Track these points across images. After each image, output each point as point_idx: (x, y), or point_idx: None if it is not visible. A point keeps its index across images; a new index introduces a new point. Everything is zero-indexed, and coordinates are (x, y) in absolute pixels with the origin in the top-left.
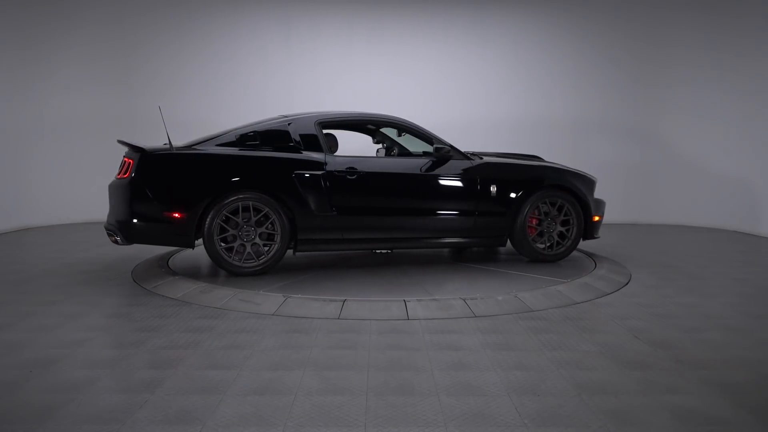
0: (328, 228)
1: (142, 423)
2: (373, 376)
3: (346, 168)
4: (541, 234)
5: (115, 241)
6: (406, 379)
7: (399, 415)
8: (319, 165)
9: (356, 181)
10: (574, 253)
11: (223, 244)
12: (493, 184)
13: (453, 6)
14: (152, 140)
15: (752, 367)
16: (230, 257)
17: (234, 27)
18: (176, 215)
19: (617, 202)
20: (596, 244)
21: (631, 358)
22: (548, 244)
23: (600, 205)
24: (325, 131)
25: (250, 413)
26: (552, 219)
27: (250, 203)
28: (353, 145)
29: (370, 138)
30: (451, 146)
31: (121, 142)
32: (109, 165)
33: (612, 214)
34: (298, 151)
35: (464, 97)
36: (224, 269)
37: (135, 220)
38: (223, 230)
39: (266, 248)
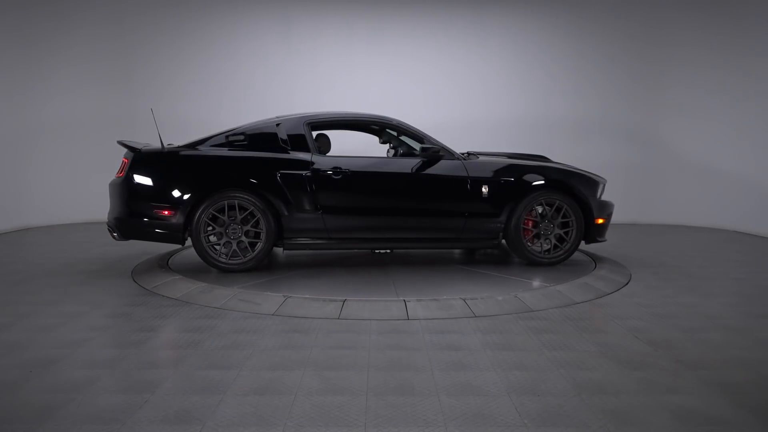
0: (314, 227)
1: (142, 423)
2: (373, 376)
3: (332, 168)
4: (537, 236)
5: (114, 237)
6: (406, 379)
7: (399, 415)
8: (305, 165)
9: (342, 180)
10: (575, 253)
11: (214, 239)
12: (485, 184)
13: (453, 6)
14: (152, 140)
15: (752, 367)
16: (217, 254)
17: (234, 27)
18: (166, 213)
19: (617, 202)
20: (596, 245)
21: (631, 358)
22: (546, 248)
23: (605, 206)
24: (318, 132)
25: (250, 413)
26: (549, 221)
27: (236, 202)
28: (357, 146)
29: (370, 138)
30: (442, 146)
31: (120, 143)
32: (108, 165)
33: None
34: (286, 152)
35: (464, 97)
36: (211, 266)
37: (129, 217)
38: (211, 228)
39: (253, 246)
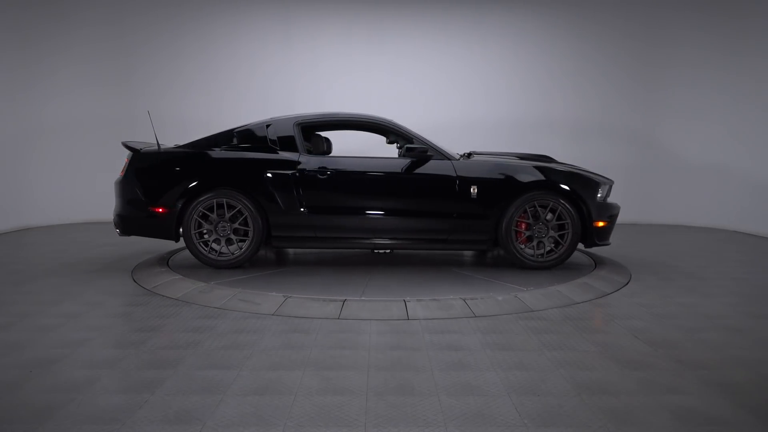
0: (300, 226)
1: (142, 423)
2: (373, 376)
3: (318, 168)
4: (530, 239)
5: (118, 233)
6: (406, 379)
7: (399, 415)
8: (292, 165)
9: (327, 180)
10: (575, 252)
11: (208, 237)
12: (474, 184)
13: (453, 6)
14: (152, 140)
15: (752, 367)
16: (206, 250)
17: (234, 27)
18: (159, 210)
19: (617, 202)
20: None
21: (631, 358)
22: (541, 251)
23: (607, 209)
24: (320, 134)
25: (250, 413)
26: (543, 223)
27: (224, 200)
28: (363, 146)
29: (376, 138)
30: (431, 145)
31: (124, 144)
32: (109, 165)
33: None
34: (275, 152)
35: (464, 97)
36: (201, 262)
37: (128, 214)
38: (201, 225)
39: (241, 243)
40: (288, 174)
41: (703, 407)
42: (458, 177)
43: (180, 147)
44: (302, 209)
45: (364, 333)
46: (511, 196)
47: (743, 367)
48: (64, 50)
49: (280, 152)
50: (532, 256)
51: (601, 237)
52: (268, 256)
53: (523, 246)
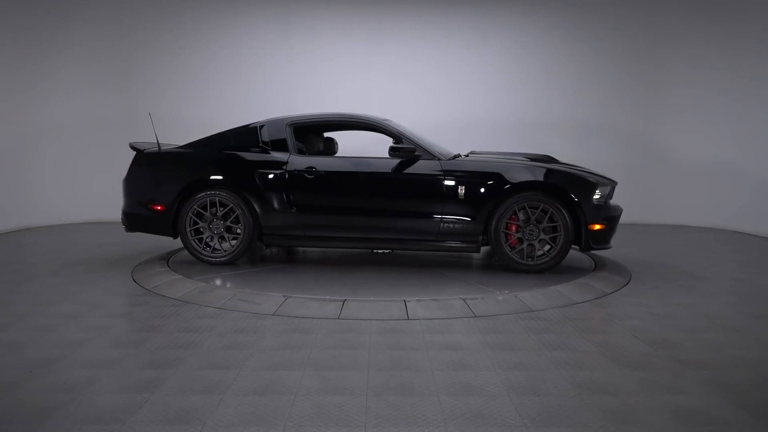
0: (289, 225)
1: (142, 423)
2: (373, 376)
3: (306, 168)
4: (521, 241)
5: (124, 228)
6: (406, 379)
7: (399, 415)
8: (281, 165)
9: (314, 180)
10: (575, 252)
11: (204, 234)
12: (461, 185)
13: (453, 6)
14: (151, 140)
15: (752, 367)
16: (200, 247)
17: (234, 27)
18: (158, 208)
19: (617, 202)
20: None
21: (631, 358)
22: (531, 254)
23: (604, 211)
24: (326, 134)
25: (250, 413)
26: (533, 225)
27: (217, 199)
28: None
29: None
30: (420, 145)
31: (131, 146)
32: (109, 165)
33: None
34: (266, 152)
35: (464, 97)
36: (195, 258)
37: (131, 211)
38: (196, 223)
39: (234, 241)
40: (276, 174)
41: (703, 407)
42: (445, 177)
43: (179, 147)
44: (291, 208)
45: (364, 333)
46: (500, 197)
47: (743, 367)
48: (64, 50)
49: (271, 152)
50: (522, 259)
51: (598, 240)
52: (268, 255)
53: (512, 248)
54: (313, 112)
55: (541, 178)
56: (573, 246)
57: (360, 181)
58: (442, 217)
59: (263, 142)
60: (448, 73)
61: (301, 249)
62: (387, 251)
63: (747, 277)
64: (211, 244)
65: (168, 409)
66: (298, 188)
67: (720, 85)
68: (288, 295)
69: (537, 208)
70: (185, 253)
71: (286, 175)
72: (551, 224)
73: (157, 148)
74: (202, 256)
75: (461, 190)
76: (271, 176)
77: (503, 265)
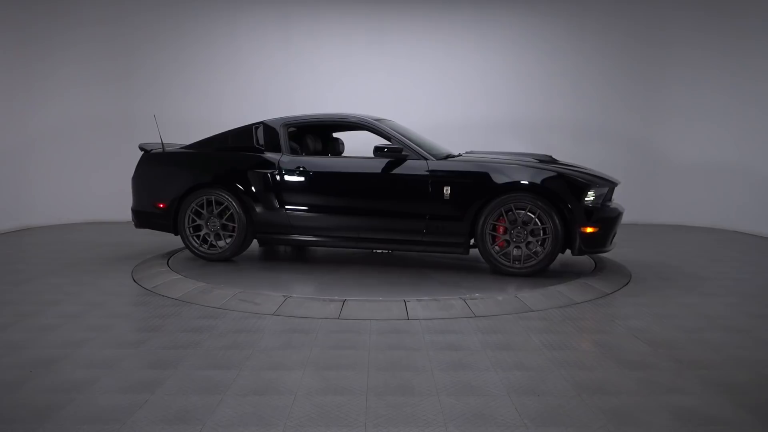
0: (279, 224)
1: (142, 423)
2: (373, 376)
3: (296, 167)
4: (509, 243)
5: (134, 225)
6: (406, 379)
7: (399, 415)
8: (272, 164)
9: (304, 180)
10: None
11: (203, 232)
12: (447, 185)
13: (453, 6)
14: (151, 140)
15: (752, 367)
16: (198, 244)
17: (234, 27)
18: (161, 205)
19: (617, 202)
20: None
21: (631, 358)
22: (519, 257)
23: (598, 213)
24: (334, 135)
25: (250, 413)
26: (522, 227)
27: (213, 197)
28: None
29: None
30: (407, 145)
31: (141, 147)
32: (109, 165)
33: None
34: (261, 152)
35: (464, 97)
36: (193, 254)
37: (138, 209)
38: (195, 220)
39: (229, 239)
40: (268, 173)
41: (703, 407)
42: (431, 177)
43: (182, 148)
44: (281, 207)
45: (364, 333)
46: (485, 198)
47: (743, 367)
48: (63, 50)
49: (265, 153)
50: (509, 261)
51: (591, 244)
52: (268, 255)
53: (500, 250)
54: (308, 113)
55: (528, 179)
56: (568, 249)
57: (347, 181)
58: (428, 217)
59: (258, 143)
60: (448, 73)
61: (301, 249)
62: (386, 251)
63: (747, 277)
64: (209, 240)
65: (168, 409)
66: (288, 188)
67: (720, 85)
68: (288, 295)
69: (524, 210)
70: (185, 253)
71: (277, 175)
72: (541, 226)
73: (161, 149)
74: (198, 252)
75: (447, 190)
76: (262, 176)
77: (492, 269)
